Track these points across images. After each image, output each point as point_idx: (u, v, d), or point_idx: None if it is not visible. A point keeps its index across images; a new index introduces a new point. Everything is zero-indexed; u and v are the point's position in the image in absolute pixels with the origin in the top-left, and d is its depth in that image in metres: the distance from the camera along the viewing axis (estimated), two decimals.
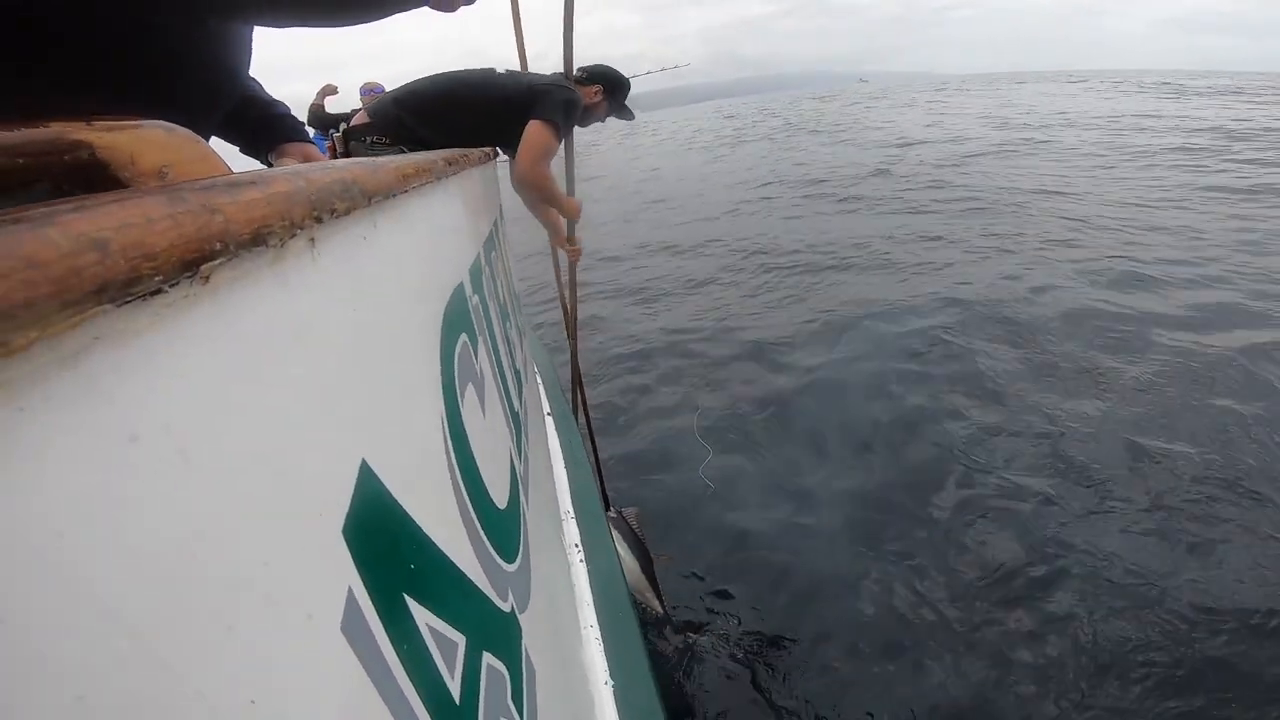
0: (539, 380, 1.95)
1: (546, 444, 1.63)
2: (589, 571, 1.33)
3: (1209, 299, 3.97)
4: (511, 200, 1.85)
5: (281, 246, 0.30)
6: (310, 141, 1.06)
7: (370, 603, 0.33)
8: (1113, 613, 1.92)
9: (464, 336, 0.67)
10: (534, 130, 1.93)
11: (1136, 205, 6.57)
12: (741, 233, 7.23)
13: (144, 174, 0.44)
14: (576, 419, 2.27)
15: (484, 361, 0.76)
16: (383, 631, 0.33)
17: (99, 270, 0.19)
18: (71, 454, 0.18)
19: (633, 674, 1.22)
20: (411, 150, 2.02)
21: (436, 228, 0.68)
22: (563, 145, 2.15)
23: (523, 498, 0.83)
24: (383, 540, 0.36)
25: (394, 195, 0.50)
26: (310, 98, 5.86)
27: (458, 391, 0.59)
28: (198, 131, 0.81)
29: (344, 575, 0.31)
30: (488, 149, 1.76)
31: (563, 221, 2.33)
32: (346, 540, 0.31)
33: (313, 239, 0.34)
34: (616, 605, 1.33)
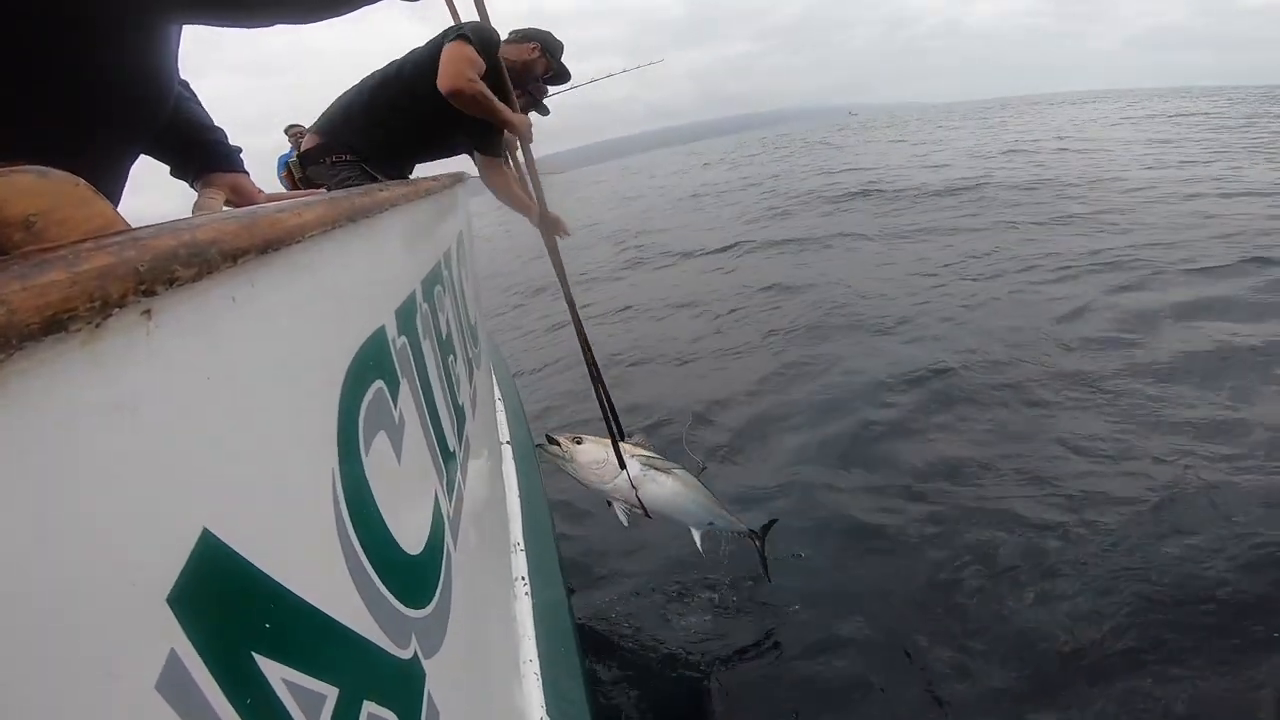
0: (500, 409, 1.96)
1: (501, 474, 1.63)
2: (534, 605, 1.34)
3: None
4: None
5: (97, 326, 0.30)
6: (242, 171, 1.01)
7: (200, 662, 0.34)
8: None
9: (379, 383, 0.69)
10: (448, 48, 1.93)
11: None
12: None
13: (8, 224, 0.42)
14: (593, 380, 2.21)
15: (406, 405, 0.77)
16: (216, 689, 0.35)
17: None
18: None
19: (571, 706, 1.23)
20: (377, 162, 2.07)
21: (347, 274, 0.68)
22: (520, 149, 2.18)
23: (447, 539, 0.84)
24: (225, 603, 0.37)
25: (278, 249, 0.49)
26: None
27: (361, 442, 0.60)
28: (120, 147, 0.79)
29: (166, 639, 0.33)
30: (454, 174, 1.79)
31: (534, 206, 2.31)
32: (171, 606, 0.33)
33: (148, 311, 0.34)
34: (559, 638, 1.33)
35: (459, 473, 1.00)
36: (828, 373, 4.02)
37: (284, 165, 5.74)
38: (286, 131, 5.83)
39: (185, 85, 0.98)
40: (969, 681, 1.82)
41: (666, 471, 2.00)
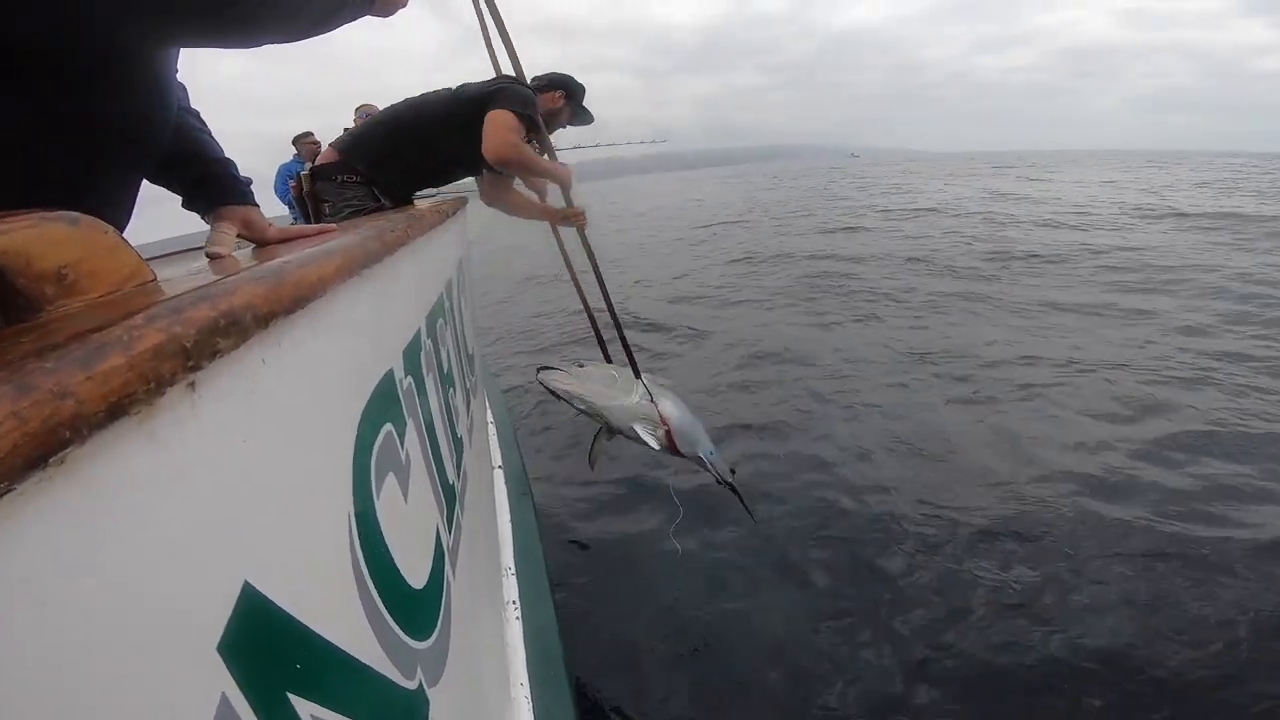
0: (493, 433, 1.99)
1: (493, 499, 1.67)
2: (524, 629, 1.37)
3: None
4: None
5: (151, 405, 0.32)
6: (253, 204, 1.02)
7: (246, 704, 0.38)
8: None
9: (388, 427, 0.72)
10: (492, 115, 2.01)
11: None
12: None
13: (42, 277, 0.43)
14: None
15: (412, 445, 0.81)
16: None
17: None
18: None
19: None
20: (385, 186, 2.11)
21: (362, 321, 0.72)
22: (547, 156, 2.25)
23: (447, 571, 0.88)
24: (264, 648, 0.41)
25: (303, 307, 0.52)
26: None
27: (373, 486, 0.64)
28: (127, 176, 0.81)
29: (217, 684, 0.36)
30: (455, 201, 1.84)
31: (550, 197, 2.38)
32: (221, 654, 0.37)
33: (193, 384, 0.36)
34: (549, 661, 1.36)
35: (458, 504, 1.04)
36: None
37: (284, 176, 5.73)
38: (295, 142, 5.79)
39: (195, 115, 1.00)
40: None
41: (672, 388, 1.95)
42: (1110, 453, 3.18)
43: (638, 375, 1.91)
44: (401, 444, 0.77)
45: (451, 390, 1.17)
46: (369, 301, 0.76)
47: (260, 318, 0.44)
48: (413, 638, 0.69)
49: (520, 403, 4.11)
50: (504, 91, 2.06)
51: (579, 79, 2.36)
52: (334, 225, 1.02)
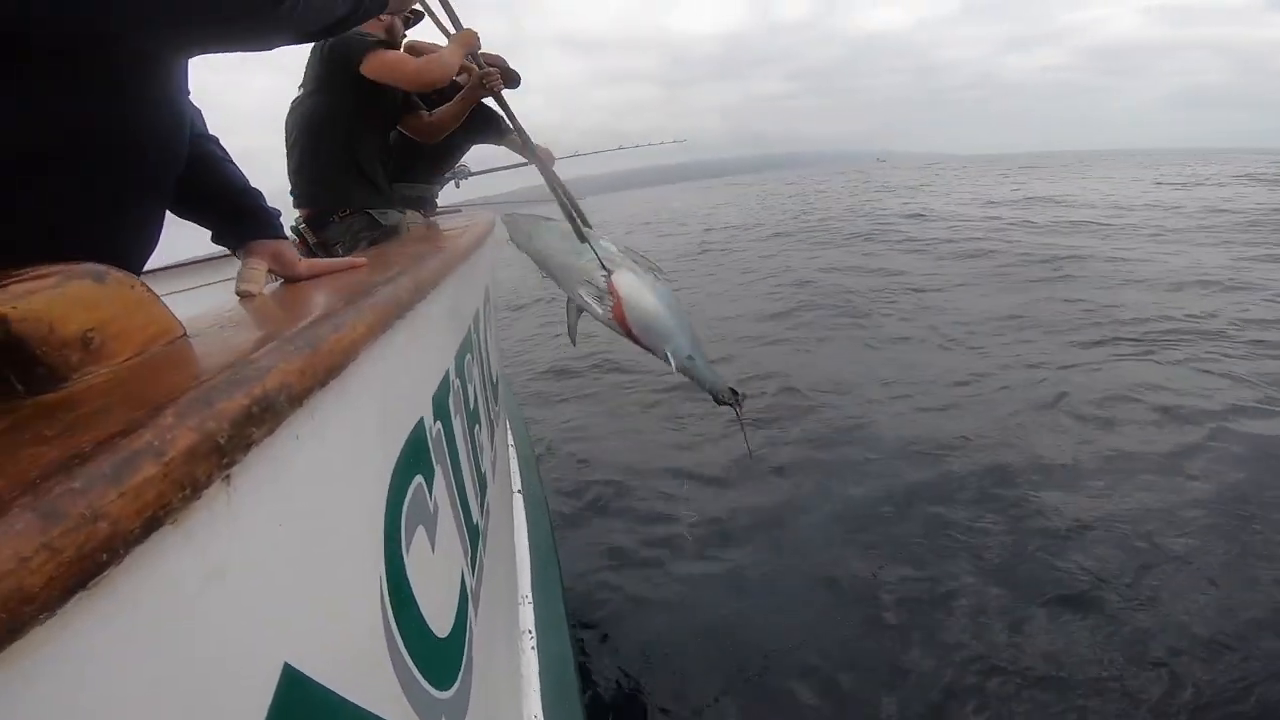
0: (513, 456, 2.00)
1: (512, 525, 1.68)
2: (539, 659, 1.38)
3: None
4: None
5: (186, 509, 0.32)
6: (283, 237, 1.01)
7: None
8: None
9: (418, 479, 0.74)
10: (374, 66, 1.94)
11: None
12: None
13: (66, 345, 0.41)
14: None
15: (440, 493, 0.82)
16: None
17: None
18: None
19: None
20: (371, 204, 2.08)
21: (393, 374, 0.72)
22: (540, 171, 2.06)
23: (470, 614, 0.89)
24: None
25: (339, 373, 0.51)
26: None
27: (403, 542, 0.66)
28: (150, 201, 0.78)
29: None
30: (485, 224, 1.85)
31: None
32: None
33: (228, 478, 0.36)
34: (563, 693, 1.37)
35: (481, 543, 1.05)
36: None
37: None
38: None
39: (215, 142, 0.99)
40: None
41: (647, 269, 1.69)
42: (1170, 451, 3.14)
43: (582, 238, 1.66)
44: (430, 493, 0.77)
45: (477, 426, 1.19)
46: (401, 354, 0.76)
47: (295, 397, 0.44)
48: (436, 689, 0.70)
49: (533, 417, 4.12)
50: (348, 45, 1.97)
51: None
52: (363, 260, 1.03)
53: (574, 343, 1.79)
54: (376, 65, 1.95)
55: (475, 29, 2.03)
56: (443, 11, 1.83)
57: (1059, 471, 3.09)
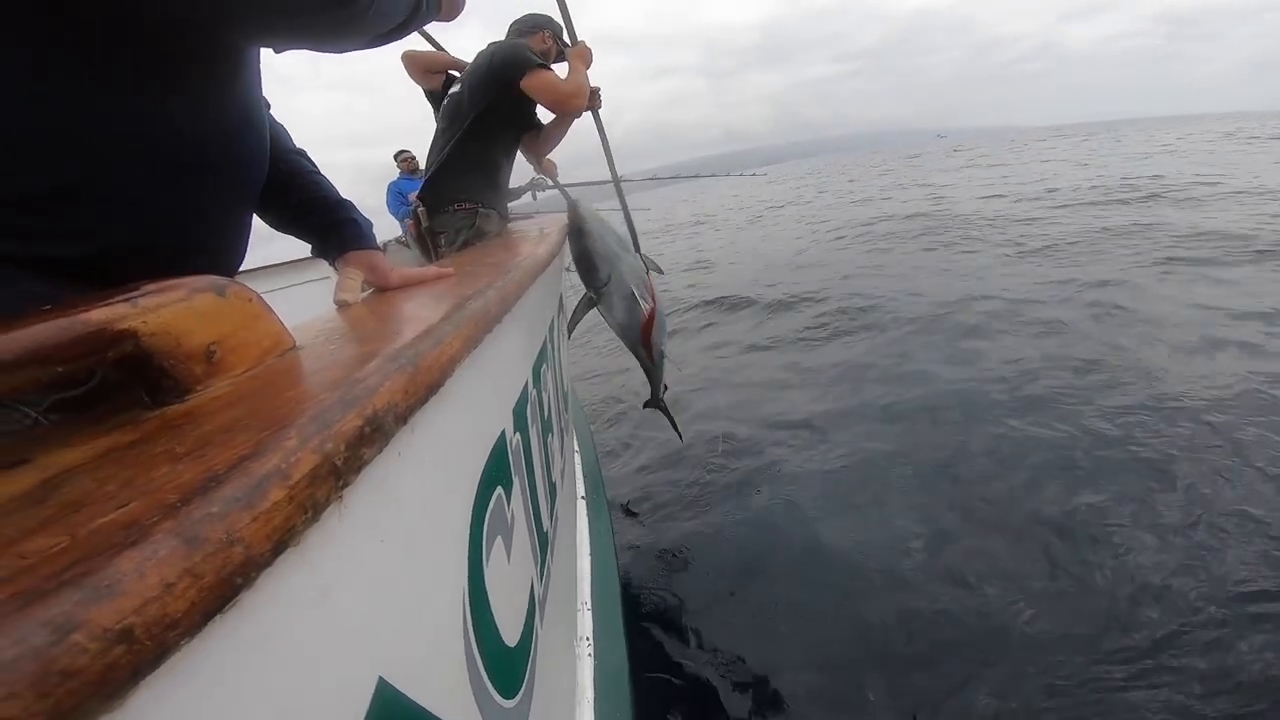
0: (578, 462, 2.03)
1: (575, 533, 1.70)
2: (595, 668, 1.39)
3: None
4: None
5: (305, 530, 0.33)
6: (376, 248, 1.05)
7: None
8: None
9: (499, 491, 0.76)
10: (534, 85, 2.09)
11: None
12: None
13: (190, 358, 0.43)
14: None
15: (516, 503, 0.84)
16: None
17: (129, 658, 0.22)
18: None
19: None
20: (489, 199, 2.22)
21: (480, 389, 0.74)
22: (599, 132, 2.35)
23: (537, 623, 0.90)
24: None
25: (437, 390, 0.53)
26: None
27: (484, 554, 0.68)
28: (236, 198, 0.80)
29: None
30: (560, 228, 1.88)
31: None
32: None
33: (341, 498, 0.37)
34: (618, 706, 1.37)
35: (549, 552, 1.07)
36: None
37: (394, 192, 6.10)
38: (396, 158, 6.13)
39: (304, 155, 1.05)
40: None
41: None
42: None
43: (637, 246, 1.97)
44: (508, 504, 0.79)
45: (550, 436, 1.21)
46: (488, 367, 0.78)
47: (400, 415, 0.45)
48: (504, 697, 0.72)
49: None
50: (516, 59, 2.12)
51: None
52: (450, 269, 1.06)
53: (569, 334, 1.96)
54: (538, 83, 2.11)
55: (589, 45, 2.25)
56: (564, 24, 2.18)
57: None
